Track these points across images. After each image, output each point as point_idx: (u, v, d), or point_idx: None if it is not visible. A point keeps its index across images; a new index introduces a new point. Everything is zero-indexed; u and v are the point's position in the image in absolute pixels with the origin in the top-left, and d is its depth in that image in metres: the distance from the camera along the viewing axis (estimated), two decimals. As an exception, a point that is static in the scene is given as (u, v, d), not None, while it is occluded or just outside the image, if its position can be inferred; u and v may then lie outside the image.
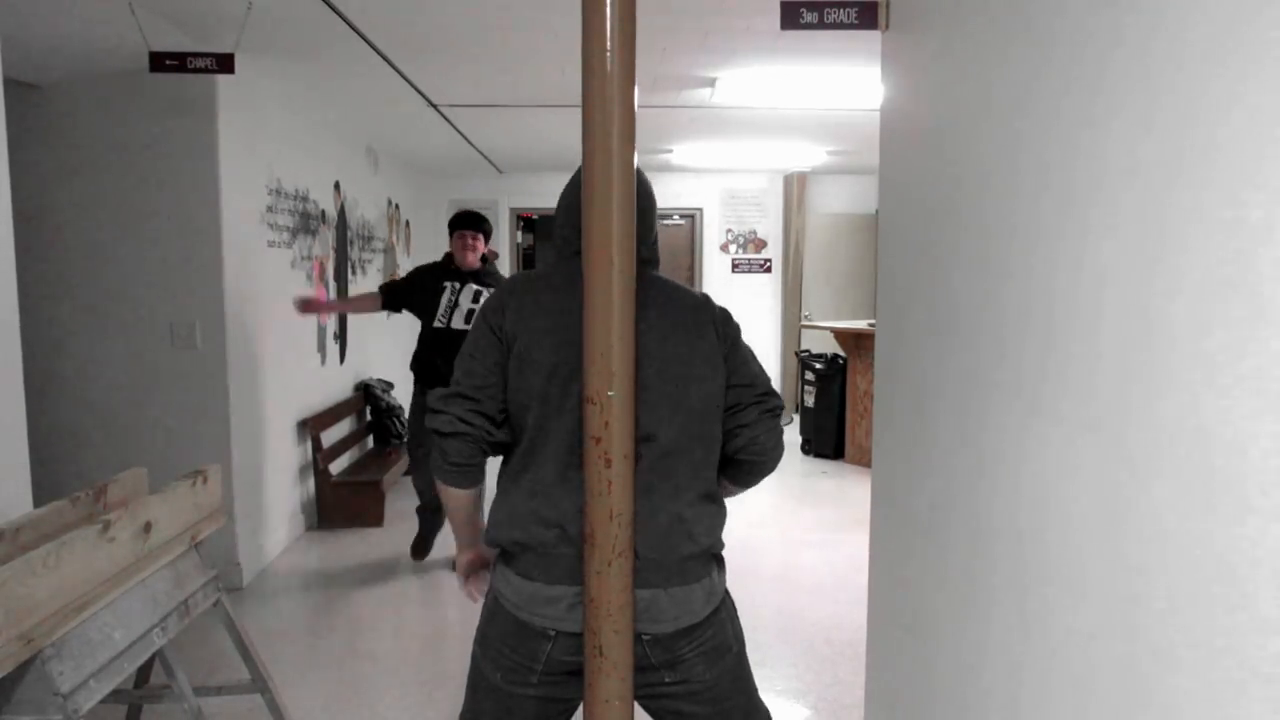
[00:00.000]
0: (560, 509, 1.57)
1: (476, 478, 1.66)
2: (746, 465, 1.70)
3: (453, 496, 1.67)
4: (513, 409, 1.61)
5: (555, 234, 1.74)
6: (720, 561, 1.70)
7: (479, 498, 1.73)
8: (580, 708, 1.65)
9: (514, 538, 1.59)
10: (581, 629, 1.57)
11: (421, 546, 4.67)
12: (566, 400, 1.57)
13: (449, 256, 4.46)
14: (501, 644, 1.62)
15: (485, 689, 1.66)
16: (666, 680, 1.63)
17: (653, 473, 1.58)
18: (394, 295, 4.54)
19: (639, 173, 1.62)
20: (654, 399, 1.58)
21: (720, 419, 1.66)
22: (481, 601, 1.75)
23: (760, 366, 1.72)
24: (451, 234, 4.43)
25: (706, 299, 1.71)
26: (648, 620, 1.58)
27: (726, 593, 1.71)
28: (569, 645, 1.59)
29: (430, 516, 4.65)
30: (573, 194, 1.66)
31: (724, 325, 1.67)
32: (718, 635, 1.66)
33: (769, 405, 1.68)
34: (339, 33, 3.67)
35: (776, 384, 9.14)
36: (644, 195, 1.65)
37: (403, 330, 7.89)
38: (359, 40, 3.80)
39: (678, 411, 1.59)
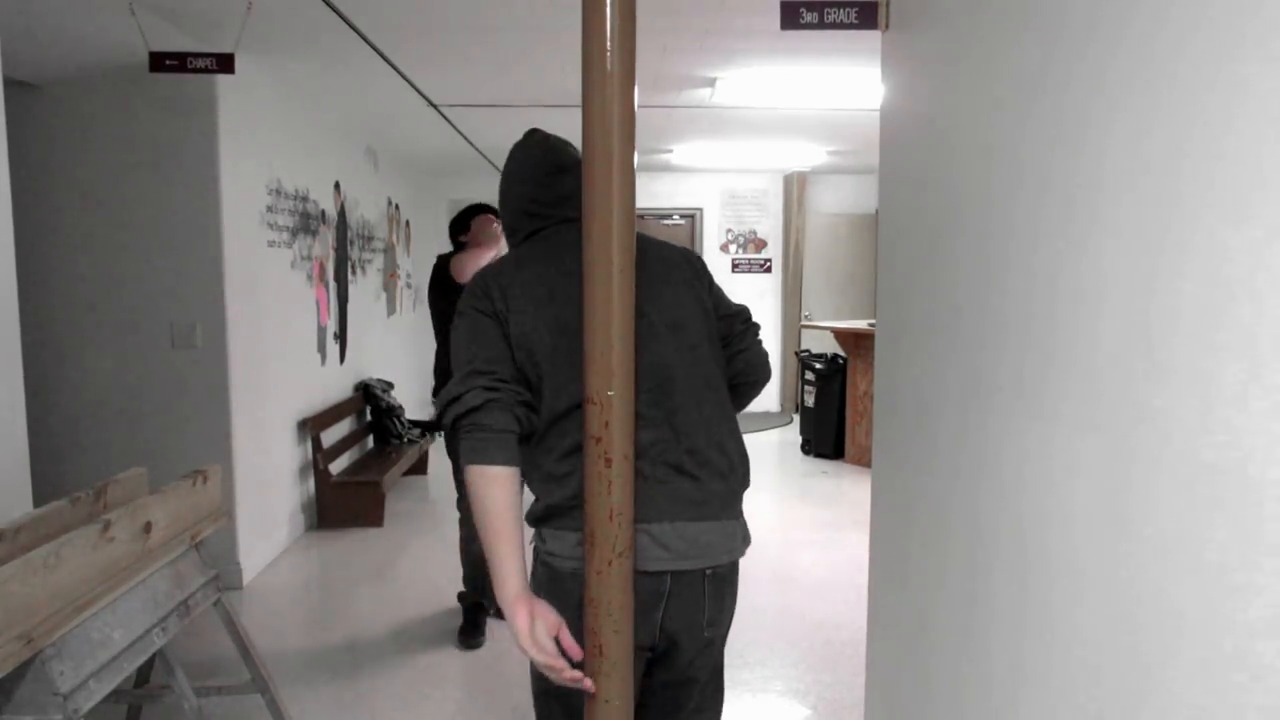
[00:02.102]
0: None
1: (515, 450, 1.50)
2: (746, 386, 1.78)
3: (494, 483, 1.46)
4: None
5: (512, 217, 1.76)
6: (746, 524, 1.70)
7: (520, 494, 1.52)
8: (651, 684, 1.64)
9: (574, 490, 1.52)
10: (648, 568, 1.51)
11: (472, 629, 3.71)
12: (577, 360, 1.50)
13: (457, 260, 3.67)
14: (571, 614, 1.51)
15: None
16: (706, 634, 1.61)
17: (683, 401, 1.59)
18: None
19: (547, 141, 1.75)
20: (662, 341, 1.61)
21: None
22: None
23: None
24: (470, 226, 3.72)
25: (677, 245, 1.81)
26: (716, 553, 1.57)
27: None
28: (639, 584, 1.52)
29: (479, 603, 3.75)
30: (518, 170, 1.74)
31: (699, 261, 1.79)
32: (734, 591, 1.66)
33: (755, 327, 1.81)
34: (339, 33, 3.67)
35: (776, 384, 9.15)
36: (562, 164, 1.73)
37: (402, 330, 7.90)
38: (359, 40, 3.80)
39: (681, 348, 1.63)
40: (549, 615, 1.47)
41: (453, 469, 3.59)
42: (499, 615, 3.77)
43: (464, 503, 3.66)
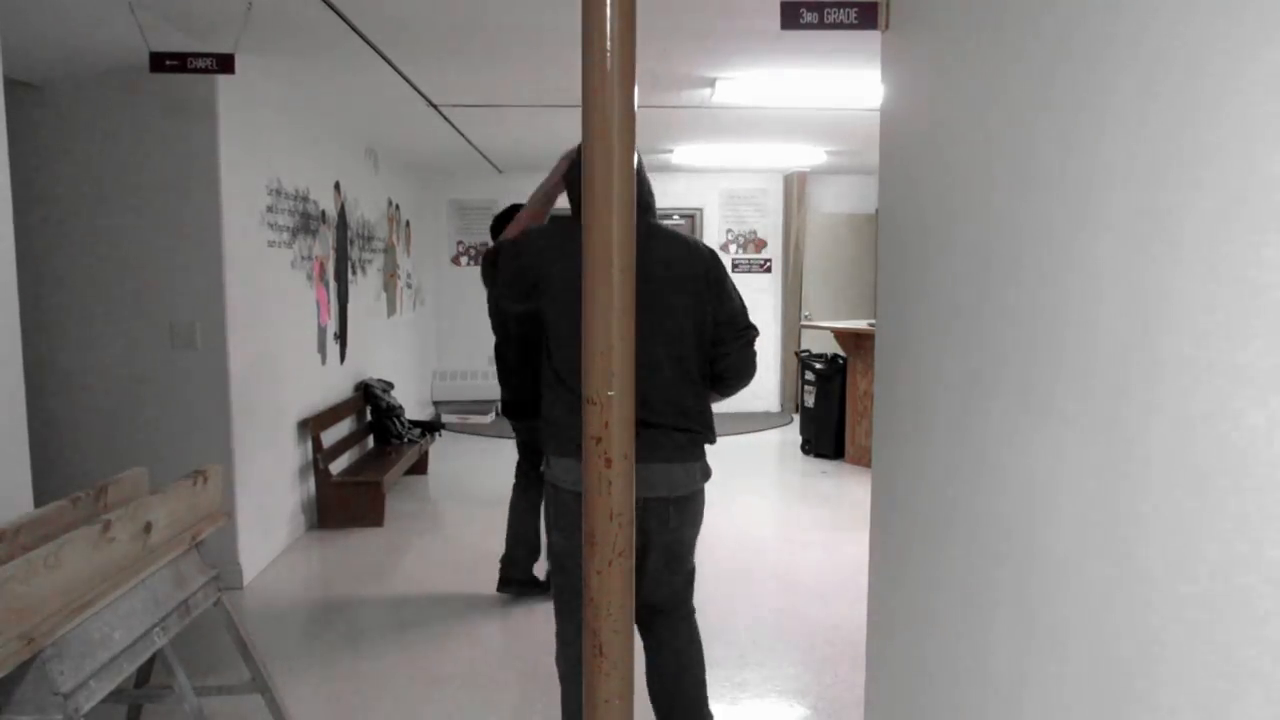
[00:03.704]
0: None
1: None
2: (726, 383, 2.32)
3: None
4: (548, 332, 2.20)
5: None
6: (707, 462, 2.29)
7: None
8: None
9: (572, 437, 1.89)
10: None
11: (523, 585, 4.09)
12: (568, 324, 1.87)
13: None
14: (575, 516, 1.83)
15: (572, 562, 1.96)
16: (670, 531, 2.19)
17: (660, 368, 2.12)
18: None
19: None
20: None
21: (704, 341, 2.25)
22: None
23: (740, 299, 2.31)
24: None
25: (700, 248, 2.30)
26: (677, 486, 2.18)
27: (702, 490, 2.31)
28: None
29: (530, 549, 4.07)
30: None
31: (714, 269, 2.28)
32: (697, 509, 2.27)
33: (746, 337, 2.29)
34: (339, 33, 3.67)
35: (776, 384, 9.14)
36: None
37: (402, 330, 7.90)
38: (359, 40, 3.80)
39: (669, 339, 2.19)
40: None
41: (518, 461, 4.03)
42: (545, 586, 4.02)
43: (519, 489, 4.06)
